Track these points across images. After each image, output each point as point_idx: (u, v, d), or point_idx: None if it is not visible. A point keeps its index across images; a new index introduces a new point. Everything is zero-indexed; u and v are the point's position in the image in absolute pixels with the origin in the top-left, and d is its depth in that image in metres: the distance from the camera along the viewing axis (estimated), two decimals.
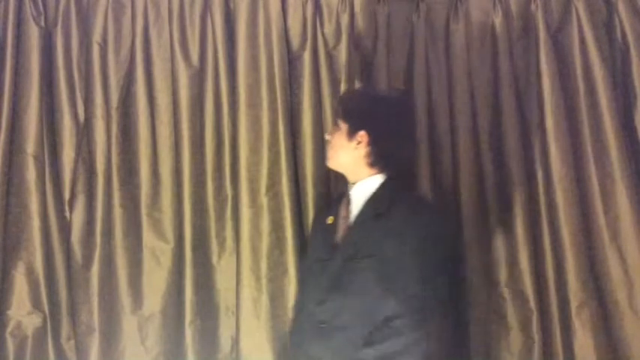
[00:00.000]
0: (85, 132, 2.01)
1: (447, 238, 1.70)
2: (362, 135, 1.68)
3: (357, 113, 1.72)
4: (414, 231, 1.60)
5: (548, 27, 2.03)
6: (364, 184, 1.69)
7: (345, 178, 1.75)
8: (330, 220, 1.72)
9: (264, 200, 1.93)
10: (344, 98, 1.88)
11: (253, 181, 1.94)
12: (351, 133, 1.69)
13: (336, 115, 1.83)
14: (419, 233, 1.60)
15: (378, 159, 1.69)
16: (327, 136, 1.82)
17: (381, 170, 1.70)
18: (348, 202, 1.70)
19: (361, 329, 1.54)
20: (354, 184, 1.71)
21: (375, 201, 1.67)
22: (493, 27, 2.04)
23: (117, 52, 2.01)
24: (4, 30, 1.99)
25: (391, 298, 1.55)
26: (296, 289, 1.88)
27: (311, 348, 1.59)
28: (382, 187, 1.69)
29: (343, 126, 1.71)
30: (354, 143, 1.69)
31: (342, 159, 1.72)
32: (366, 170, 1.70)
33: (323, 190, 1.97)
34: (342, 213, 1.70)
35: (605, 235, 1.95)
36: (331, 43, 2.04)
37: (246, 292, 1.89)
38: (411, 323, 1.53)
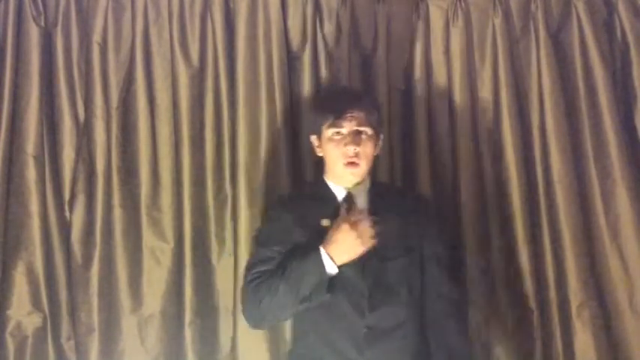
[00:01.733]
0: (85, 132, 2.01)
1: None
2: (381, 138, 1.72)
3: (377, 117, 1.69)
4: (432, 224, 1.70)
5: (548, 27, 2.03)
6: (361, 187, 1.67)
7: (336, 185, 1.68)
8: (325, 222, 1.61)
9: (262, 201, 1.93)
10: (365, 102, 1.70)
11: (252, 182, 1.93)
12: (376, 138, 1.68)
13: (361, 123, 1.63)
14: (436, 225, 1.71)
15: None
16: (355, 149, 1.61)
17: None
18: (355, 207, 1.63)
19: (411, 329, 1.58)
20: (348, 187, 1.66)
21: (382, 200, 1.66)
22: (493, 27, 2.04)
23: (117, 52, 2.01)
24: (4, 30, 1.99)
25: (433, 293, 1.63)
26: None
27: (361, 355, 1.53)
28: (372, 185, 1.69)
29: (369, 132, 1.64)
30: (377, 148, 1.69)
31: (367, 168, 1.66)
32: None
33: None
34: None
35: (606, 236, 1.95)
36: (331, 43, 2.04)
37: None
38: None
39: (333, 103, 1.68)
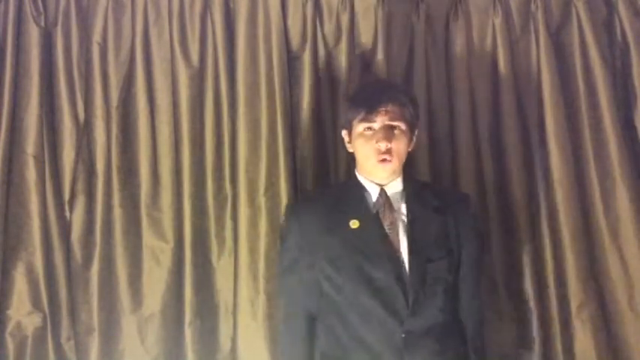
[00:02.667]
0: (85, 132, 2.01)
1: None
2: (416, 134, 1.64)
3: (414, 111, 1.61)
4: (474, 221, 1.66)
5: (548, 27, 2.02)
6: (395, 184, 1.60)
7: (369, 182, 1.61)
8: (354, 224, 1.54)
9: (262, 200, 1.93)
10: (399, 95, 1.59)
11: (252, 181, 1.93)
12: (411, 133, 1.60)
13: (394, 118, 1.55)
14: (474, 225, 1.66)
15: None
16: (387, 145, 1.53)
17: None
18: (390, 205, 1.57)
19: (448, 330, 1.55)
20: (381, 185, 1.59)
21: (420, 198, 1.59)
22: (493, 27, 2.04)
23: (117, 52, 2.01)
24: (4, 30, 1.99)
25: (472, 296, 1.61)
26: None
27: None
28: (407, 182, 1.62)
29: (403, 127, 1.55)
30: (410, 144, 1.61)
31: (400, 164, 1.58)
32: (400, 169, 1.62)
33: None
34: (387, 217, 1.55)
35: (605, 236, 1.96)
36: (331, 43, 2.03)
37: (244, 293, 1.89)
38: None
39: (365, 96, 1.58)
